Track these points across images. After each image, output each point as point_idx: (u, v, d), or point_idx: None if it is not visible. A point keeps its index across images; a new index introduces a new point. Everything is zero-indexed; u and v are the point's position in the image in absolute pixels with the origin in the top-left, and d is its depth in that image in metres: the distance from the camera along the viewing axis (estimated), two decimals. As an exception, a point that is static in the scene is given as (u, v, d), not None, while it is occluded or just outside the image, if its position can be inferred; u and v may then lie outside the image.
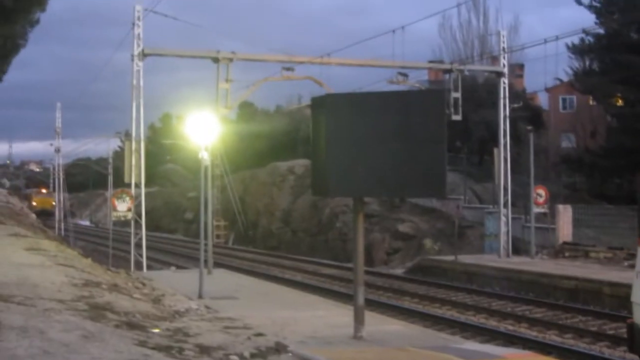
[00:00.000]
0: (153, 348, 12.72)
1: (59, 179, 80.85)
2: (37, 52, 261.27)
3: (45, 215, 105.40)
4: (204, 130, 24.74)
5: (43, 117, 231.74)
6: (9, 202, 38.61)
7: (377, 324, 18.81)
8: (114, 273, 27.51)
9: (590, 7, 57.57)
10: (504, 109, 40.50)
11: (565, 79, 67.12)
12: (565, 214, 40.78)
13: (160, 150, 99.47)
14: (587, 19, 70.36)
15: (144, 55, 35.38)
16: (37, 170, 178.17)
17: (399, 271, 42.73)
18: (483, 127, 57.56)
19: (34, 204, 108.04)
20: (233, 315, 19.50)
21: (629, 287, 13.98)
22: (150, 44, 36.08)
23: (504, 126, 40.37)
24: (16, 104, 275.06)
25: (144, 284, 25.88)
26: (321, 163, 15.48)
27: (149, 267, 37.57)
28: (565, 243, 39.84)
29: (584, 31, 49.22)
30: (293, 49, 37.27)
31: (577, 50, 58.80)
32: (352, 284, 16.74)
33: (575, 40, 58.35)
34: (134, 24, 35.20)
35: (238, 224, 71.48)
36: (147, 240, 36.80)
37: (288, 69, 36.13)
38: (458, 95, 38.30)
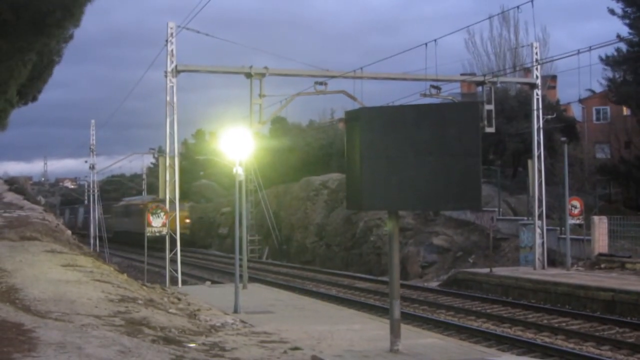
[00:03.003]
0: (190, 363, 12.77)
1: (93, 195, 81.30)
2: (73, 72, 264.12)
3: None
4: (238, 145, 24.83)
5: (78, 135, 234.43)
6: (44, 218, 38.79)
7: (413, 337, 18.78)
8: (150, 288, 27.61)
9: (623, 17, 57.24)
10: (538, 121, 40.31)
11: (598, 90, 66.85)
12: (600, 225, 40.51)
13: (193, 166, 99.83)
14: (615, 32, 70.05)
15: (177, 71, 35.57)
16: (72, 187, 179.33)
17: (433, 284, 42.59)
18: (516, 139, 57.36)
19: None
20: (269, 329, 19.54)
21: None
22: (183, 61, 36.29)
23: (538, 138, 40.18)
24: (51, 123, 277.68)
25: (179, 299, 25.96)
26: (356, 176, 15.49)
27: (184, 282, 37.66)
28: (601, 254, 39.56)
29: (619, 37, 48.93)
30: (324, 66, 37.26)
31: (611, 61, 58.44)
32: (388, 297, 16.72)
33: (609, 51, 58.09)
34: (167, 41, 35.41)
35: (272, 238, 71.48)
36: (181, 255, 36.90)
37: (321, 83, 36.15)
38: (491, 107, 38.19)
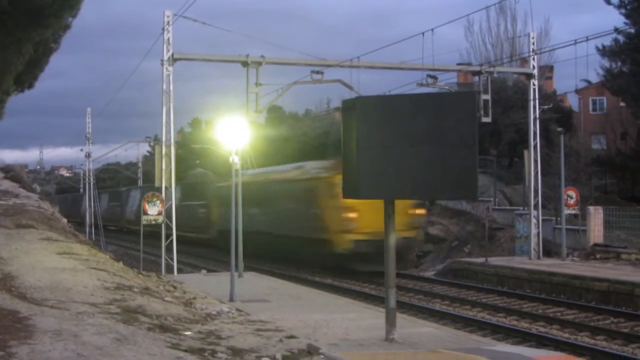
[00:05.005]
0: (186, 350, 12.79)
1: (89, 183, 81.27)
2: (69, 61, 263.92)
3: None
4: (234, 134, 24.83)
5: (74, 123, 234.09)
6: (40, 206, 38.83)
7: (409, 326, 18.81)
8: (145, 276, 27.64)
9: (619, 7, 57.15)
10: (534, 111, 40.30)
11: (594, 80, 66.83)
12: (596, 215, 40.52)
13: (189, 154, 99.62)
14: (607, 24, 70.04)
15: (173, 59, 35.54)
16: (67, 175, 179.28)
17: (429, 274, 42.62)
18: (513, 129, 57.42)
19: (351, 216, 39.08)
20: (264, 318, 19.56)
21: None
22: (179, 51, 36.26)
23: (534, 128, 40.17)
24: (48, 112, 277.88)
25: (175, 287, 25.99)
26: (352, 165, 15.49)
27: (179, 271, 37.68)
28: (596, 245, 39.59)
29: (616, 30, 48.92)
30: (319, 57, 37.24)
31: (608, 52, 58.38)
32: (383, 286, 16.73)
33: (606, 41, 58.00)
34: (163, 29, 35.36)
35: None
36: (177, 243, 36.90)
37: (317, 72, 36.09)
38: (488, 97, 38.17)
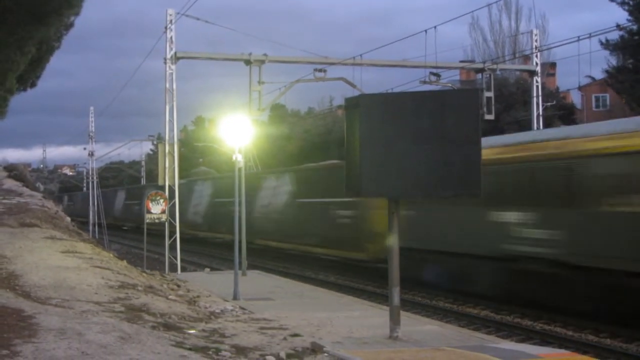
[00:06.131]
0: (190, 349, 12.81)
1: (92, 182, 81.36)
2: (72, 60, 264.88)
3: None
4: (237, 132, 24.85)
5: (77, 122, 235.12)
6: (44, 205, 38.93)
7: (413, 324, 18.80)
8: (149, 275, 27.64)
9: (622, 4, 57.06)
10: (537, 108, 40.31)
11: (598, 77, 66.75)
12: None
13: (192, 153, 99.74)
14: (607, 21, 69.96)
15: (176, 58, 35.59)
16: (71, 173, 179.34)
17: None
18: (515, 126, 57.40)
19: None
20: (268, 316, 19.55)
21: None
22: (182, 50, 36.36)
23: (537, 125, 40.18)
24: (51, 111, 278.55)
25: (178, 286, 25.99)
26: (355, 164, 15.46)
27: (183, 269, 37.70)
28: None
29: (618, 26, 48.87)
30: (321, 55, 37.33)
31: (611, 46, 58.28)
32: (387, 284, 16.73)
33: (609, 38, 57.94)
34: (166, 28, 35.40)
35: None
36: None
37: (320, 70, 36.10)
38: (491, 94, 38.19)
